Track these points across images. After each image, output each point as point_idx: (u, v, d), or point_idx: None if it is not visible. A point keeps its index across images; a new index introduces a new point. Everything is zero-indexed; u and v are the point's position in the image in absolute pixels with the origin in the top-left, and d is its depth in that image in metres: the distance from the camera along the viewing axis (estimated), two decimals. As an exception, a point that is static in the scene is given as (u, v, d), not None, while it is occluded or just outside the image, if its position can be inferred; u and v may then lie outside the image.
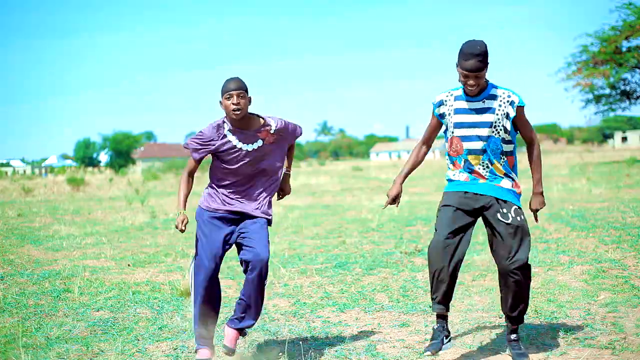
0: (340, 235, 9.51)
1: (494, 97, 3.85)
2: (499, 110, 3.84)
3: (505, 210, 3.87)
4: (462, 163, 3.96)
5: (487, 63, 3.78)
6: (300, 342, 4.47)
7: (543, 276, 6.02)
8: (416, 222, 10.48)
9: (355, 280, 6.44)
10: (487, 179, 3.92)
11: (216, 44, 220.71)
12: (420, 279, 6.31)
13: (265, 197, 4.10)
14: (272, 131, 4.01)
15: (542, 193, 3.97)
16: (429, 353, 3.83)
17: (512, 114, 3.83)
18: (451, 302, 3.97)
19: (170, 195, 21.31)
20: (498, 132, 3.85)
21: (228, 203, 4.05)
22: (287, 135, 4.11)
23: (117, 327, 4.92)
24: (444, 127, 4.06)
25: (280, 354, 4.24)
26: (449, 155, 4.04)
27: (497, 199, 3.89)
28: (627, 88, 32.35)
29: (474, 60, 3.70)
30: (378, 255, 7.62)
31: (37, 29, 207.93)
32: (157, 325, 4.97)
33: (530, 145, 4.01)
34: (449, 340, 3.94)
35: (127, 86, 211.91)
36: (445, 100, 3.99)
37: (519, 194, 3.98)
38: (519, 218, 3.85)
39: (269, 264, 3.94)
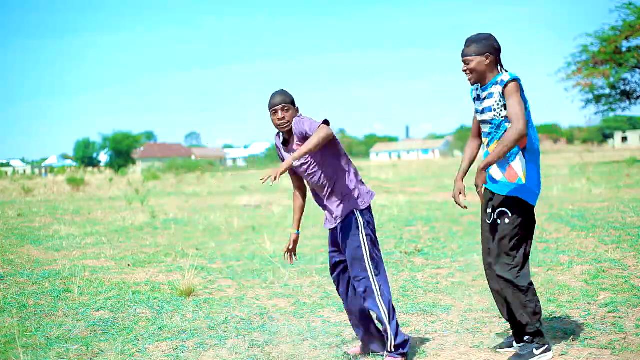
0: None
1: (496, 83, 3.85)
2: (496, 93, 3.84)
3: (490, 210, 3.89)
4: (485, 144, 3.99)
5: (485, 52, 3.83)
6: (300, 342, 4.48)
7: (543, 276, 6.01)
8: (416, 222, 10.48)
9: (355, 280, 6.43)
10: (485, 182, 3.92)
11: (216, 44, 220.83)
12: (420, 279, 6.31)
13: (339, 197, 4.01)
14: (296, 140, 3.94)
15: (482, 169, 3.76)
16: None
17: (501, 90, 3.80)
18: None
19: (171, 195, 21.31)
20: (500, 114, 3.83)
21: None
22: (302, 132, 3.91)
23: (117, 327, 4.92)
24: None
25: (281, 354, 4.24)
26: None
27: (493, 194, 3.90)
28: (627, 88, 32.32)
29: (465, 47, 3.90)
30: (378, 255, 7.61)
31: (37, 29, 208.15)
32: (157, 325, 4.97)
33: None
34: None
35: (127, 86, 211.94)
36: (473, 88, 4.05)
37: (512, 182, 3.80)
38: (499, 221, 3.83)
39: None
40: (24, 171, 61.30)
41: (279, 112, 3.91)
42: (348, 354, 4.16)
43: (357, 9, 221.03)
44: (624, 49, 29.27)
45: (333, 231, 4.08)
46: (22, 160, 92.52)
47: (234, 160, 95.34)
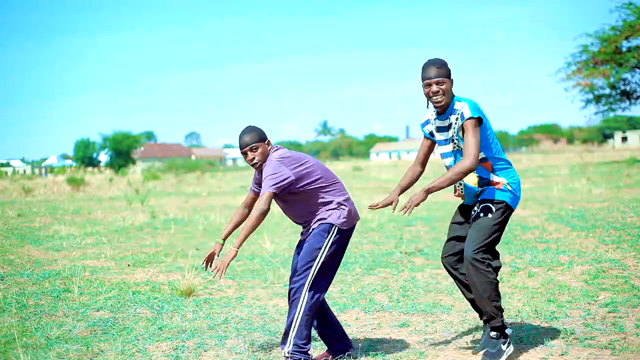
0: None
1: (453, 112, 3.92)
2: (455, 124, 3.91)
3: (476, 209, 3.95)
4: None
5: (449, 75, 3.90)
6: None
7: (543, 276, 6.02)
8: (416, 222, 10.48)
9: (355, 280, 6.44)
10: (464, 197, 4.01)
11: (216, 44, 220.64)
12: (420, 279, 6.31)
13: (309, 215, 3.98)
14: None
15: (425, 191, 3.84)
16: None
17: (459, 121, 3.88)
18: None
19: (171, 195, 21.31)
20: (458, 146, 3.93)
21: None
22: None
23: (117, 327, 4.92)
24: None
25: (281, 353, 4.24)
26: None
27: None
28: (627, 88, 32.30)
29: (433, 67, 3.89)
30: (378, 255, 7.62)
31: (37, 29, 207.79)
32: (157, 325, 4.97)
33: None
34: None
35: (127, 86, 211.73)
36: (430, 120, 4.10)
37: (499, 188, 3.91)
38: (482, 214, 3.89)
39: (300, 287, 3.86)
40: (24, 171, 61.18)
41: (248, 154, 3.93)
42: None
43: (357, 9, 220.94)
44: (624, 49, 29.25)
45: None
46: (22, 160, 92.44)
47: (234, 160, 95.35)
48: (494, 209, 3.87)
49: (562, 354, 3.96)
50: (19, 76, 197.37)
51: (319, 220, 3.91)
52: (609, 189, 14.69)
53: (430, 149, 4.19)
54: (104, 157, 75.97)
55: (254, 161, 3.92)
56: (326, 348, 4.17)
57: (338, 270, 6.86)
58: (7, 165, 74.60)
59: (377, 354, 4.14)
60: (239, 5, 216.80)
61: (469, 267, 3.84)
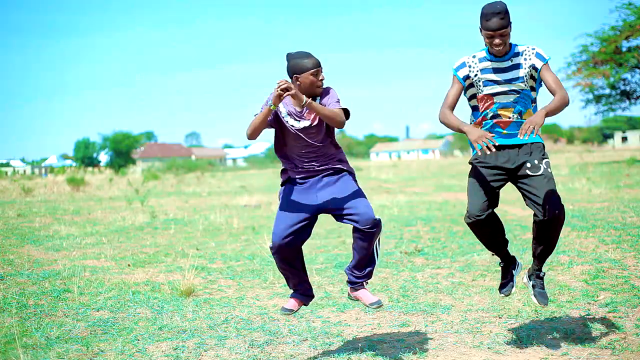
0: (340, 235, 9.51)
1: (518, 54, 3.97)
2: (525, 63, 3.95)
3: (536, 162, 3.97)
4: (490, 116, 4.01)
5: (510, 21, 3.88)
6: (300, 342, 4.48)
7: (543, 276, 6.01)
8: (416, 222, 10.48)
9: (355, 280, 6.43)
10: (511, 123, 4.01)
11: (216, 44, 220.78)
12: (420, 279, 6.31)
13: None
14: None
15: (546, 113, 3.71)
16: (502, 295, 4.19)
17: (539, 65, 3.92)
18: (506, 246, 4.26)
19: (171, 195, 21.32)
20: (527, 84, 3.98)
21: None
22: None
23: (117, 327, 4.92)
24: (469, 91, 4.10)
25: (281, 354, 4.24)
26: (475, 112, 4.09)
27: (523, 146, 4.01)
28: (627, 88, 32.30)
29: (496, 19, 3.82)
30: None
31: (37, 29, 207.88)
32: (157, 325, 4.97)
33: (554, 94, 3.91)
34: (518, 267, 4.28)
35: (127, 86, 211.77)
36: (468, 63, 4.04)
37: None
38: (549, 170, 4.00)
39: None
40: (24, 171, 61.08)
41: (321, 73, 3.87)
42: (288, 309, 4.13)
43: (357, 9, 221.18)
44: (624, 49, 29.23)
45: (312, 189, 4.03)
46: (22, 160, 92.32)
47: (234, 160, 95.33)
48: (548, 157, 4.03)
49: (562, 354, 3.96)
50: (19, 76, 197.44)
51: (343, 169, 4.07)
52: (609, 189, 14.69)
53: (460, 94, 4.07)
54: (104, 157, 76.02)
55: (323, 82, 3.90)
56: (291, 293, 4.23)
57: (337, 270, 6.89)
58: (7, 165, 74.52)
59: (377, 354, 4.14)
60: (238, 5, 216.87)
61: (560, 219, 3.97)
